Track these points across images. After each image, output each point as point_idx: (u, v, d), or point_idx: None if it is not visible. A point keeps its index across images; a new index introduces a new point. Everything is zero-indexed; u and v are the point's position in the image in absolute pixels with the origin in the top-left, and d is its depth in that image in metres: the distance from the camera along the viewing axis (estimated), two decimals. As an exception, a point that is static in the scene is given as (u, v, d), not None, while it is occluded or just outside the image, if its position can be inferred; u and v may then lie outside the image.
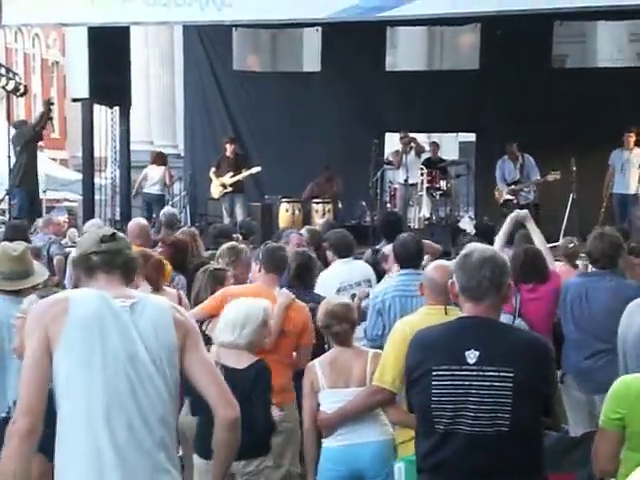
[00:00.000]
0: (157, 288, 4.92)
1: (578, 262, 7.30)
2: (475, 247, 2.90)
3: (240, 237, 7.95)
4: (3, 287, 3.98)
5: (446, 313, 3.60)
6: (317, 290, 5.57)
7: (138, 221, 6.87)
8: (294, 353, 4.55)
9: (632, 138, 11.07)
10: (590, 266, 5.33)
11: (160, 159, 13.06)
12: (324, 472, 3.91)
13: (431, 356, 2.81)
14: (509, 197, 11.66)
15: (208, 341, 4.13)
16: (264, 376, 3.90)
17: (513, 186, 11.66)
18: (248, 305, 4.03)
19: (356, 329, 4.31)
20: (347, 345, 4.00)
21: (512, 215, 5.94)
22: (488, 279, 2.78)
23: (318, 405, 3.93)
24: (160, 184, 12.83)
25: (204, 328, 4.53)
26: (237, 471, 3.99)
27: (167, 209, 9.83)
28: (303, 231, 7.26)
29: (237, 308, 4.01)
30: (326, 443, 3.95)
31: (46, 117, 11.51)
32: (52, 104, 11.87)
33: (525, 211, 6.15)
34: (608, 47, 13.62)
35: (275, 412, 3.98)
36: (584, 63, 13.97)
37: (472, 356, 2.73)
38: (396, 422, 3.80)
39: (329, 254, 6.26)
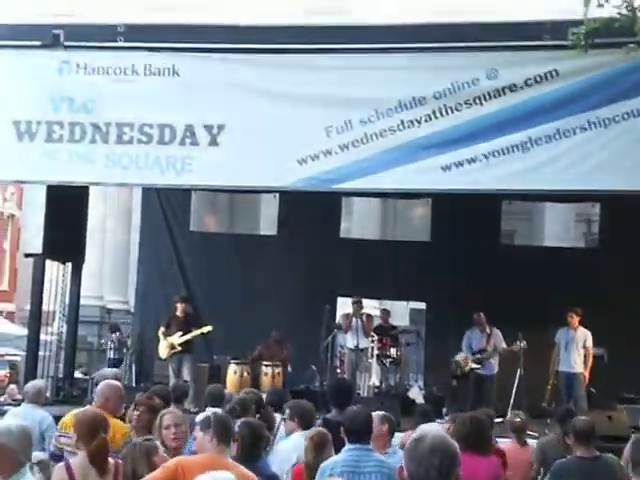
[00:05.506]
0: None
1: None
2: (428, 432, 2.83)
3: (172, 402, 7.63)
4: None
5: None
6: (274, 459, 5.46)
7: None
8: None
9: (575, 318, 11.24)
10: None
11: None
12: None
13: None
14: (475, 365, 11.60)
15: None
16: None
17: (479, 355, 11.63)
18: None
19: None
20: None
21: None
22: (436, 469, 2.72)
23: None
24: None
25: None
26: None
27: (102, 370, 9.59)
28: (241, 394, 7.12)
29: None
30: None
31: None
32: None
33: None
34: (554, 226, 14.11)
35: None
36: (531, 241, 14.39)
37: None
38: None
39: (290, 424, 6.14)
